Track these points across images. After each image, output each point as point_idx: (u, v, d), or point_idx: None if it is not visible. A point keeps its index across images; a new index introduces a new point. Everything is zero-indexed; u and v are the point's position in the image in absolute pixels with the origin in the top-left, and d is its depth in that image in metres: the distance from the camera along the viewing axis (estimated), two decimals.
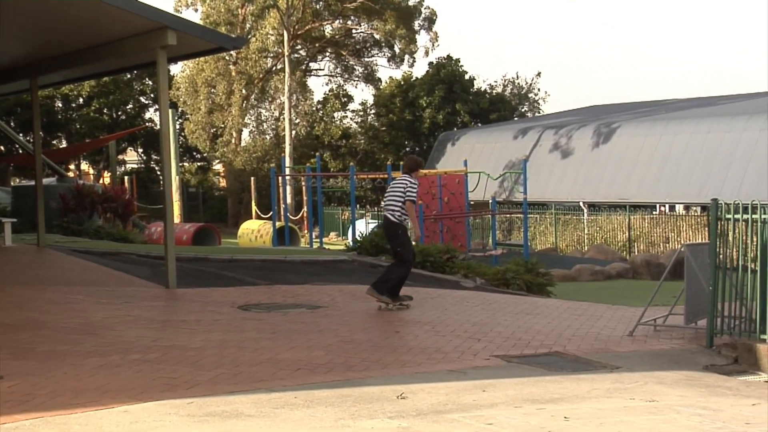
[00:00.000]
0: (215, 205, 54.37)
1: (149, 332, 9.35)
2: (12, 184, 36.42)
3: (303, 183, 34.87)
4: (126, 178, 42.97)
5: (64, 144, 51.00)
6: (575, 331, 10.16)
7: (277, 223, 30.15)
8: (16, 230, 19.77)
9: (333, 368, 7.70)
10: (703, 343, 9.59)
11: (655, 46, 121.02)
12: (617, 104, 50.63)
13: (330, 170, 49.25)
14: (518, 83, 58.54)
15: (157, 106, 44.28)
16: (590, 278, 24.66)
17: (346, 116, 56.47)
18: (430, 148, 50.46)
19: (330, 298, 12.27)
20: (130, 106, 53.67)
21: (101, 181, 42.43)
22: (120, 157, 52.24)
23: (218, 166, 57.78)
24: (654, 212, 35.44)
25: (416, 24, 49.90)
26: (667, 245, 31.79)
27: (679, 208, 36.57)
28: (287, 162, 38.66)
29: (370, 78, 54.32)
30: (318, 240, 29.85)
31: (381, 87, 54.61)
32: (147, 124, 52.46)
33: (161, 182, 13.36)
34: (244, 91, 49.86)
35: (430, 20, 50.31)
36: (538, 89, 60.12)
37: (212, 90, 49.82)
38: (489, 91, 55.94)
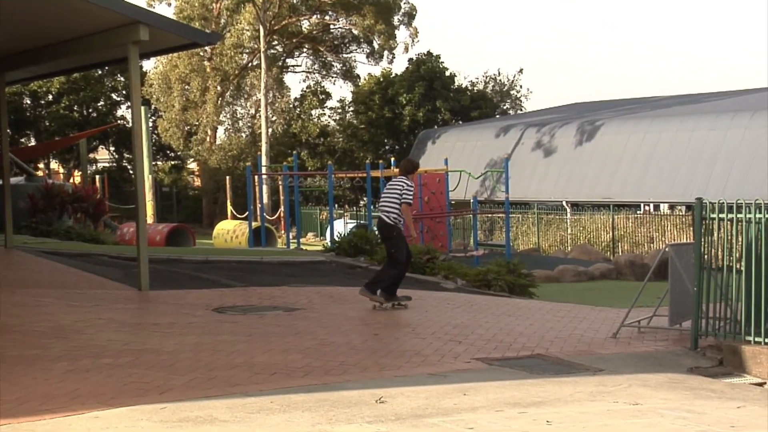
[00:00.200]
0: (189, 204, 54.17)
1: (121, 336, 9.31)
2: None
3: (280, 182, 34.81)
4: (97, 177, 42.79)
5: (32, 142, 50.68)
6: (558, 333, 10.20)
7: (253, 224, 30.08)
8: None
9: (310, 372, 7.69)
10: (687, 344, 9.65)
11: (640, 43, 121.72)
12: (601, 101, 50.85)
13: (307, 169, 49.19)
14: (500, 80, 58.66)
15: (129, 103, 43.97)
16: (573, 279, 24.75)
17: (324, 114, 56.48)
18: (410, 146, 50.48)
19: (307, 300, 12.26)
20: (102, 103, 53.37)
21: (71, 181, 42.21)
22: (91, 155, 51.96)
23: (192, 165, 57.59)
24: (638, 212, 35.61)
25: (395, 19, 49.90)
26: (652, 245, 31.96)
27: (664, 208, 36.78)
28: (263, 161, 38.53)
29: (349, 74, 54.29)
30: (295, 241, 29.79)
31: (360, 84, 54.58)
32: (119, 121, 52.19)
33: (134, 181, 13.30)
34: (219, 88, 49.69)
35: (410, 15, 50.34)
36: (520, 86, 60.27)
37: (186, 87, 49.63)
38: (470, 88, 56.03)
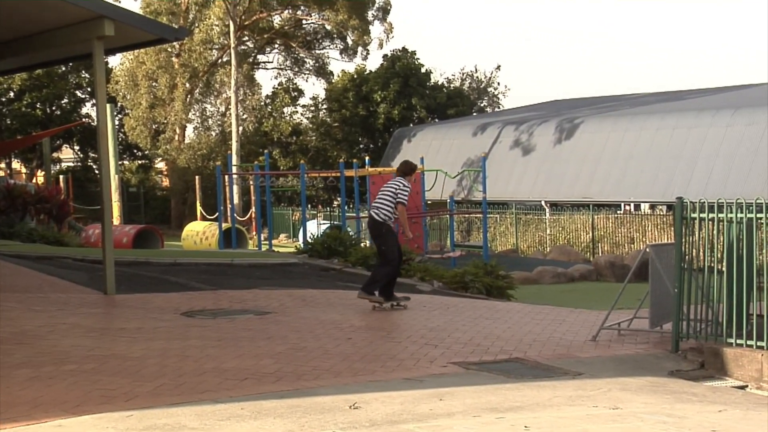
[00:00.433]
0: (157, 205, 53.94)
1: (86, 341, 9.26)
2: None
3: (251, 182, 34.72)
4: (61, 177, 42.48)
5: None
6: (536, 337, 10.24)
7: (224, 225, 30.00)
8: None
9: (282, 377, 7.68)
10: (668, 347, 9.71)
11: (620, 39, 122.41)
12: (580, 99, 51.11)
13: (279, 168, 49.10)
14: (477, 77, 58.82)
15: (94, 101, 43.84)
16: (552, 281, 24.87)
17: (297, 111, 56.40)
18: (385, 144, 50.53)
19: (279, 304, 12.25)
20: (66, 100, 53.04)
21: (34, 181, 41.90)
22: (54, 155, 51.61)
23: (160, 165, 57.33)
24: (618, 211, 35.82)
25: (370, 14, 49.90)
26: (632, 246, 32.15)
27: (645, 207, 37.00)
28: (234, 160, 38.45)
29: (322, 71, 54.24)
30: (267, 242, 29.73)
31: (333, 81, 54.56)
32: (84, 119, 51.88)
33: (99, 182, 13.24)
34: (187, 85, 49.51)
35: (384, 10, 50.36)
36: (498, 83, 60.35)
37: (153, 84, 49.40)
38: (446, 85, 56.14)
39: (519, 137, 42.13)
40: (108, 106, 22.51)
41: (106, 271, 12.81)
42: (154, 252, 22.59)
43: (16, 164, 52.43)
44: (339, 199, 37.60)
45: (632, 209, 36.99)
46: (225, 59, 49.85)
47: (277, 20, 52.29)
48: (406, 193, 12.06)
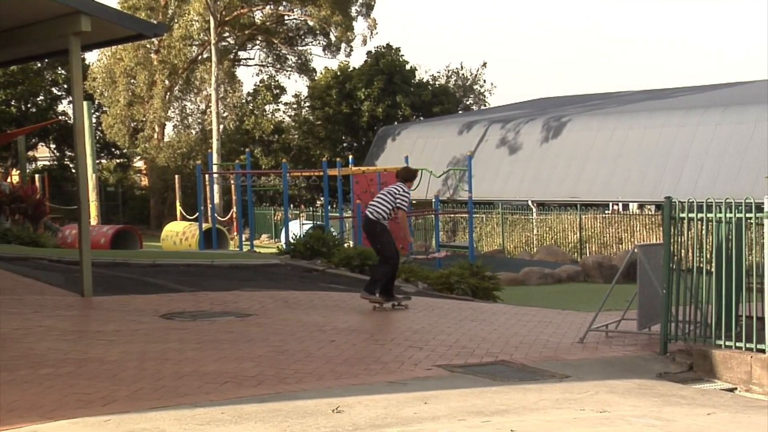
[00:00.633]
0: (136, 205, 53.79)
1: (62, 344, 9.23)
2: None
3: (232, 181, 34.68)
4: (37, 176, 42.24)
5: None
6: (523, 339, 10.27)
7: (204, 225, 29.94)
8: None
9: (263, 381, 7.67)
10: (656, 349, 9.75)
11: (608, 36, 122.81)
12: (567, 97, 51.27)
13: (261, 167, 49.03)
14: (463, 74, 58.92)
15: (70, 98, 43.28)
16: (539, 282, 24.93)
17: (279, 109, 56.35)
18: (369, 143, 50.54)
19: (261, 306, 12.24)
20: (41, 97, 52.81)
21: (9, 180, 41.69)
22: (30, 153, 51.37)
23: (139, 164, 57.18)
24: (606, 211, 35.94)
25: (353, 10, 49.91)
26: (621, 246, 32.28)
27: (633, 207, 37.15)
28: (215, 158, 38.39)
29: (304, 68, 54.21)
30: (248, 243, 29.68)
31: (316, 78, 54.53)
32: (60, 117, 51.66)
33: (76, 181, 13.20)
34: (167, 82, 49.39)
35: (368, 6, 50.36)
36: (484, 81, 60.63)
37: (132, 81, 49.26)
38: (431, 82, 56.21)
39: (505, 136, 42.22)
40: (85, 103, 22.43)
41: (83, 273, 12.77)
42: (132, 253, 22.52)
43: None
44: (322, 198, 37.59)
45: (620, 209, 37.13)
46: (205, 56, 49.75)
47: (258, 16, 52.23)
48: (406, 199, 12.42)
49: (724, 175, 32.77)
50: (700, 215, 9.53)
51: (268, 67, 55.12)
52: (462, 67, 59.16)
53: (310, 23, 51.56)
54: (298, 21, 52.57)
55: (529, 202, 38.22)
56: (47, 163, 55.50)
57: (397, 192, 12.43)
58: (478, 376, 8.19)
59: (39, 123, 46.37)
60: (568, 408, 6.96)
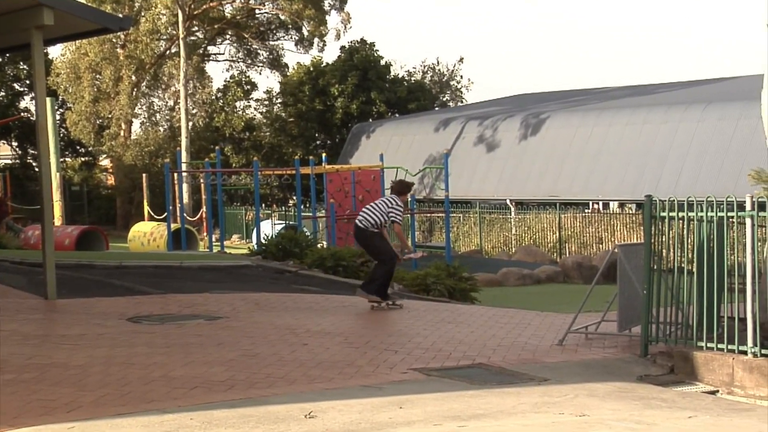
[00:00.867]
0: (102, 205, 53.53)
1: (25, 349, 9.17)
2: None
3: (201, 180, 34.56)
4: None
5: None
6: (501, 341, 10.30)
7: (173, 225, 29.83)
8: None
9: (234, 385, 7.66)
10: (637, 351, 9.81)
11: (587, 30, 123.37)
12: (546, 93, 51.45)
13: (232, 166, 48.89)
14: (439, 70, 58.96)
15: (33, 94, 43.03)
16: (517, 283, 25.01)
17: (250, 106, 56.22)
18: (343, 140, 50.52)
19: (231, 308, 12.21)
20: (2, 93, 52.47)
21: None
22: None
23: (105, 162, 56.88)
24: (586, 210, 36.09)
25: (326, 4, 49.85)
26: (601, 246, 32.43)
27: (614, 206, 37.34)
28: (183, 157, 38.24)
29: (276, 63, 54.10)
30: (218, 243, 29.62)
31: (288, 73, 54.43)
32: (22, 114, 51.31)
33: (39, 180, 13.14)
34: (133, 78, 49.16)
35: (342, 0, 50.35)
36: (461, 76, 60.39)
37: (97, 76, 49.00)
38: (407, 78, 56.23)
39: (483, 133, 42.31)
40: (48, 99, 22.26)
41: (47, 275, 12.70)
42: (98, 254, 22.43)
43: None
44: (294, 198, 37.54)
45: (600, 208, 37.30)
46: (173, 50, 49.56)
47: (228, 9, 52.08)
48: (400, 212, 12.71)
49: (706, 172, 33.00)
50: (681, 214, 9.59)
51: (238, 62, 55.02)
52: (438, 63, 59.23)
53: (282, 17, 51.47)
54: (270, 15, 52.47)
55: (508, 201, 38.33)
56: (9, 161, 55.13)
57: (390, 204, 12.72)
58: (455, 380, 8.21)
59: (0, 120, 46.05)
60: (546, 412, 6.98)
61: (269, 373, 8.16)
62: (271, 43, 53.69)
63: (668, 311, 9.77)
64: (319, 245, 22.10)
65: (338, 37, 50.60)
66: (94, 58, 47.78)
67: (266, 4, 51.15)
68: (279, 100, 55.80)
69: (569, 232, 34.03)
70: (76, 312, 11.79)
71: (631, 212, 34.71)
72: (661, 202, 9.75)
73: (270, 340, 9.89)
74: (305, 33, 51.33)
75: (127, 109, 48.88)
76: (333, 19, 64.00)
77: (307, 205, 31.43)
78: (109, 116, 49.58)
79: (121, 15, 37.20)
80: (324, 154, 35.26)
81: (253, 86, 55.60)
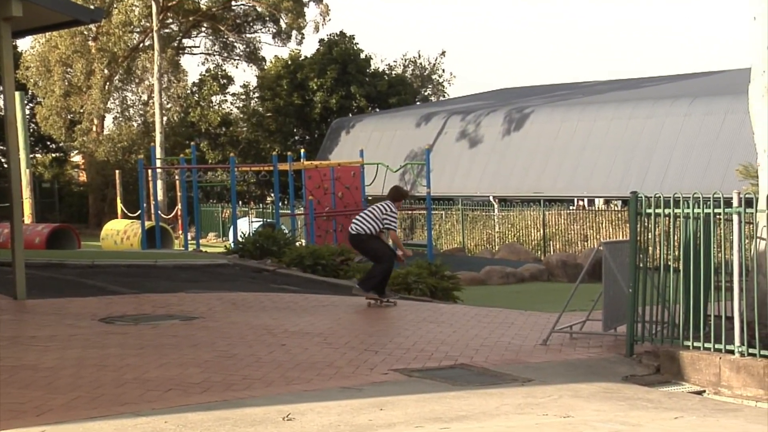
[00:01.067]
0: (74, 202, 53.30)
1: None
2: None
3: (176, 177, 34.47)
4: None
5: None
6: (483, 341, 10.32)
7: (147, 223, 29.75)
8: None
9: (210, 387, 7.65)
10: (622, 351, 9.85)
11: (572, 23, 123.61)
12: (530, 87, 51.56)
13: (208, 162, 48.81)
14: (420, 63, 59.02)
15: (1, 88, 42.90)
16: (501, 281, 25.05)
17: (226, 100, 56.07)
18: (322, 136, 50.49)
19: (207, 308, 12.20)
20: None
21: None
22: None
23: (77, 158, 56.66)
24: (571, 207, 36.18)
25: None
26: (586, 243, 32.51)
27: (599, 203, 37.44)
28: (158, 153, 38.12)
29: (253, 57, 53.97)
30: (194, 242, 29.52)
31: (265, 67, 54.33)
32: None
33: (8, 176, 13.08)
34: (106, 71, 48.94)
35: None
36: (443, 70, 60.45)
37: (68, 70, 48.76)
38: (388, 72, 56.25)
39: (465, 128, 42.36)
40: (17, 93, 22.18)
41: (16, 275, 12.66)
42: (69, 253, 22.34)
43: None
44: (272, 194, 37.48)
45: (585, 204, 37.40)
46: (147, 43, 49.38)
47: (203, 1, 51.91)
48: (394, 219, 12.98)
49: (693, 168, 33.13)
50: (667, 211, 9.62)
51: (214, 55, 54.83)
52: (419, 56, 59.29)
53: (259, 9, 51.34)
54: (246, 7, 52.32)
55: (491, 198, 38.39)
56: None
57: (384, 210, 12.94)
58: (436, 381, 8.22)
59: None
60: (530, 413, 7.01)
61: (246, 375, 8.15)
62: (248, 35, 53.56)
63: (654, 310, 9.81)
64: (297, 243, 22.07)
65: (317, 29, 50.58)
66: (65, 50, 47.54)
67: None
68: (256, 95, 55.70)
69: (554, 230, 34.10)
70: (46, 312, 11.75)
71: (616, 209, 34.80)
72: (647, 198, 9.78)
73: (247, 341, 9.88)
74: (283, 25, 51.26)
75: (100, 103, 48.66)
76: (311, 12, 64.01)
77: (285, 203, 31.37)
78: (81, 111, 49.35)
79: (92, 6, 37.04)
80: (302, 150, 35.22)
81: (230, 80, 55.49)
